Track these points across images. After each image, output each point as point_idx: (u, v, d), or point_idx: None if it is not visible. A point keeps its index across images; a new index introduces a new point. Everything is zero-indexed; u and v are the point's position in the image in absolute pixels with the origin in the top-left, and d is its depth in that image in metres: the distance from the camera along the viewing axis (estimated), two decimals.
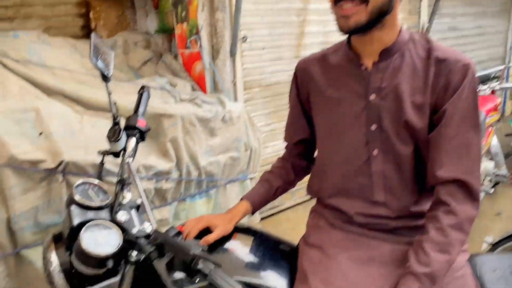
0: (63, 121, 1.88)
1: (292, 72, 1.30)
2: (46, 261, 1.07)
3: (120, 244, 1.01)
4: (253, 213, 1.35)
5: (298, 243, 1.35)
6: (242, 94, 2.87)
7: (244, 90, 2.91)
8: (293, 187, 1.41)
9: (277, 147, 3.18)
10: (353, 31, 1.04)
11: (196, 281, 0.90)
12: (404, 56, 1.09)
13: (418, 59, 1.08)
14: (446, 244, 1.00)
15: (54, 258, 1.06)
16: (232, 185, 2.45)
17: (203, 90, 2.71)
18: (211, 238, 1.21)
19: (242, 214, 1.31)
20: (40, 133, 1.79)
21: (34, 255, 1.75)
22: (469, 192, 1.03)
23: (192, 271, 0.91)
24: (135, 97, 1.37)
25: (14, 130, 1.73)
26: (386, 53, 1.09)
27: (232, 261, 1.20)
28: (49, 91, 2.08)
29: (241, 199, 1.36)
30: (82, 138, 1.90)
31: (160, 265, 1.03)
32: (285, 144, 1.42)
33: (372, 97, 1.10)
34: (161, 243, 0.99)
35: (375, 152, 1.11)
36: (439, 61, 1.05)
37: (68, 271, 1.04)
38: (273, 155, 3.14)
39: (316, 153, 1.34)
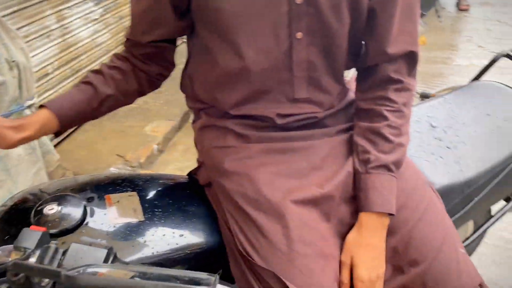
0: None
1: None
2: None
3: None
4: (60, 130, 0.89)
5: (191, 175, 1.00)
6: None
7: None
8: (131, 102, 0.98)
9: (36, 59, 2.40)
10: None
11: None
12: None
13: None
14: (403, 125, 0.90)
15: None
16: None
17: None
18: None
19: (38, 126, 0.83)
20: None
21: None
22: (415, 61, 0.91)
23: None
24: None
25: None
26: None
27: (135, 242, 0.77)
28: None
29: (41, 106, 0.87)
30: None
31: None
32: (126, 39, 0.94)
33: None
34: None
35: (299, 35, 0.83)
36: None
37: None
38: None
39: (193, 54, 0.95)
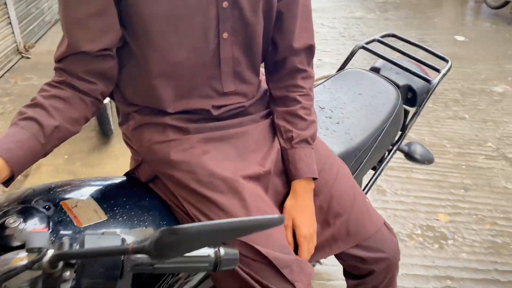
0: None
1: None
2: None
3: None
4: (12, 178, 0.76)
5: (129, 174, 1.02)
6: None
7: None
8: (79, 130, 0.90)
9: None
10: None
11: None
12: None
13: None
14: (311, 106, 1.08)
15: None
16: None
17: None
18: None
19: None
20: None
21: None
22: (313, 53, 1.08)
23: None
24: None
25: None
26: None
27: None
28: None
29: None
30: None
31: None
32: (63, 58, 0.86)
33: None
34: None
35: (225, 35, 0.94)
36: None
37: None
38: None
39: (126, 60, 0.95)
